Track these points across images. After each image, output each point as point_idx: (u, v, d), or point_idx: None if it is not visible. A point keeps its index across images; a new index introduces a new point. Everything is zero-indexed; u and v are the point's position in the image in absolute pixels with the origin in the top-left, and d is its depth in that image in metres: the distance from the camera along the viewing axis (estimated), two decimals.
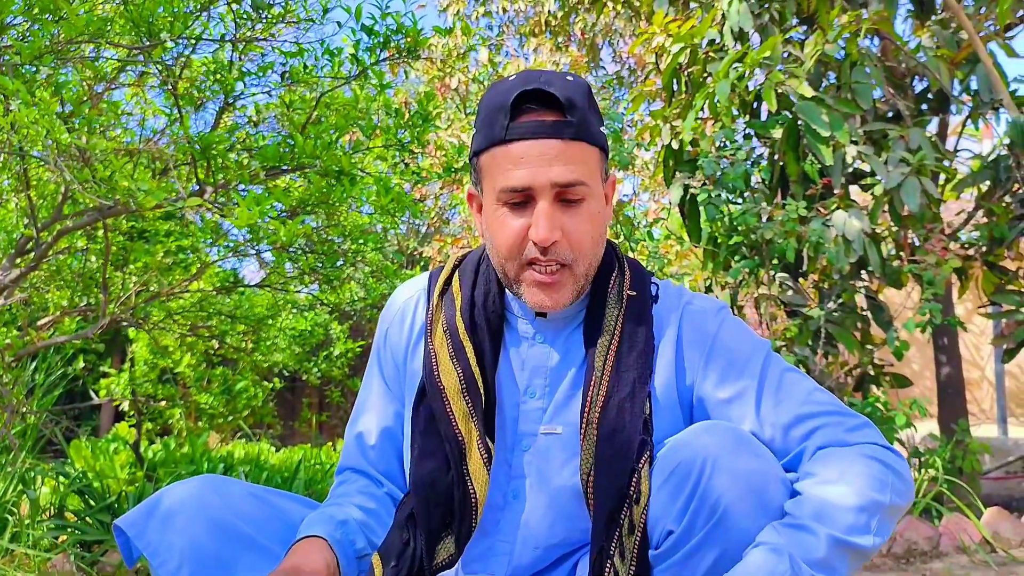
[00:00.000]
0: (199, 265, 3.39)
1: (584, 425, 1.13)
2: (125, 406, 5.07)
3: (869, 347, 3.99)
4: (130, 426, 4.89)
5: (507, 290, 1.20)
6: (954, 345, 4.26)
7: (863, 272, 3.92)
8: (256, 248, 3.52)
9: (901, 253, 3.90)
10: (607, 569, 1.05)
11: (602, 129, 1.19)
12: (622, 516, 1.06)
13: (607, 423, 1.11)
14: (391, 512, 1.24)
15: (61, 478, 3.39)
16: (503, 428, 1.20)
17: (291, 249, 3.84)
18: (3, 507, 3.25)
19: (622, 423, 1.11)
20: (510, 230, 1.13)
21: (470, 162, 1.22)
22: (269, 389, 5.21)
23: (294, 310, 4.74)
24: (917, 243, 3.73)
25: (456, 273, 1.27)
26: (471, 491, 1.13)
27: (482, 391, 1.16)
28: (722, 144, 3.50)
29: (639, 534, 1.06)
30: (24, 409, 3.69)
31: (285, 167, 2.95)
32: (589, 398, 1.13)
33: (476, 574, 1.19)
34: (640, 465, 1.08)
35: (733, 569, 0.98)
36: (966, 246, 3.89)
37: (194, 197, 2.62)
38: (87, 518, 3.10)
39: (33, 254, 3.49)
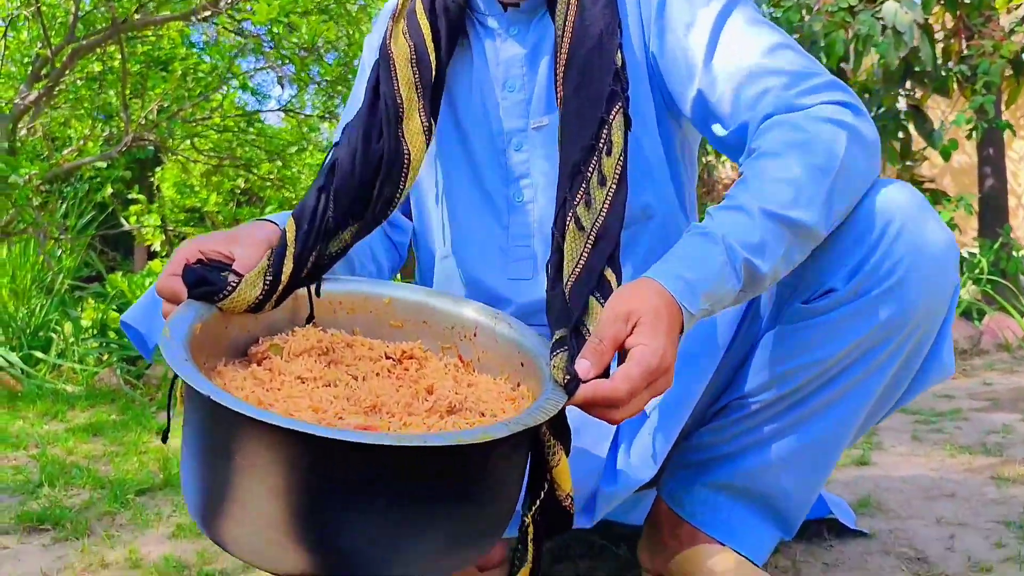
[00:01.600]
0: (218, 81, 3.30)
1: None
2: (157, 246, 5.10)
3: (908, 163, 3.87)
4: (163, 262, 4.95)
5: None
6: (1000, 156, 4.13)
7: (907, 82, 3.75)
8: (278, 65, 3.40)
9: (950, 63, 3.72)
10: (568, 217, 0.97)
11: None
12: (590, 168, 0.99)
13: (572, 76, 1.03)
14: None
15: (101, 299, 3.44)
16: (487, 126, 1.16)
17: (313, 71, 3.72)
18: (47, 327, 3.32)
19: (589, 75, 1.03)
20: None
21: None
22: None
23: (319, 138, 4.67)
24: (967, 50, 3.54)
25: None
26: (405, 150, 1.07)
27: (433, 66, 1.10)
28: None
29: (613, 187, 0.99)
30: (59, 236, 3.70)
31: None
32: (556, 61, 1.05)
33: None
34: (611, 117, 1.00)
35: (665, 256, 0.89)
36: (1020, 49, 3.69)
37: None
38: None
39: (48, 78, 3.40)
